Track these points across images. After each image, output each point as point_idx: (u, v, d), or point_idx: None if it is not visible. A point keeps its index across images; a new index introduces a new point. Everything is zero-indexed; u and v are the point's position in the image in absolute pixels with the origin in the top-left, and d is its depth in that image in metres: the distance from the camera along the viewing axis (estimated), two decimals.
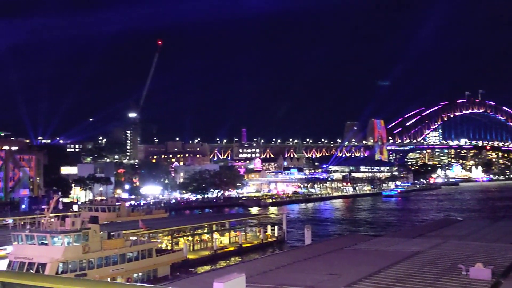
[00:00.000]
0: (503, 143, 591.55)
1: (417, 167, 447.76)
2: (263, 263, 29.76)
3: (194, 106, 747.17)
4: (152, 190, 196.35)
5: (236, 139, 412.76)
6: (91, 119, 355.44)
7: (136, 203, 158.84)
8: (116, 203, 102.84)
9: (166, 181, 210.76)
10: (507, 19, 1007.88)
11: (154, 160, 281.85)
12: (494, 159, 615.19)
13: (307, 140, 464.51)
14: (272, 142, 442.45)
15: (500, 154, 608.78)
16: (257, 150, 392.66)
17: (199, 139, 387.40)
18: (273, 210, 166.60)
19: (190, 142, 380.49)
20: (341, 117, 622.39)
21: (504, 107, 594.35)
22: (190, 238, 75.15)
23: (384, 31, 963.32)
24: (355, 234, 76.21)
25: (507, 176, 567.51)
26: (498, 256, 27.53)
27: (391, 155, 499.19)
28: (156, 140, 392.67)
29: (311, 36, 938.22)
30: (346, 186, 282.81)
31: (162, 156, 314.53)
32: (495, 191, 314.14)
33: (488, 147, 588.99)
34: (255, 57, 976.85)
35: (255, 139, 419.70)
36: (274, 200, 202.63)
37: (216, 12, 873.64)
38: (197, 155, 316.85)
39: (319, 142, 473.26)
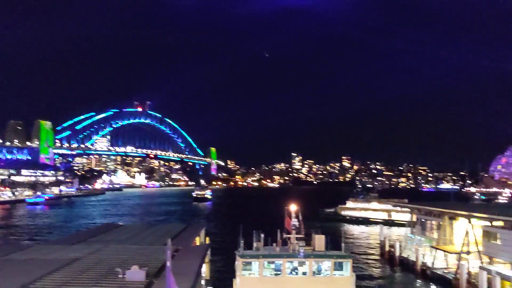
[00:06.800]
0: (165, 152, 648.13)
1: (83, 172, 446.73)
2: None
3: None
4: None
5: None
6: None
7: None
8: None
9: None
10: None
11: None
12: (156, 167, 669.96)
13: None
14: None
15: (162, 162, 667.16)
16: None
17: None
18: None
19: None
20: (4, 115, 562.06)
21: (168, 120, 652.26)
22: None
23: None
24: (8, 243, 69.69)
25: (167, 183, 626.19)
26: (152, 258, 29.64)
27: (57, 159, 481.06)
28: None
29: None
30: (5, 191, 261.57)
31: None
32: (156, 196, 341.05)
33: (151, 155, 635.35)
34: None
35: None
36: None
37: None
38: None
39: None
